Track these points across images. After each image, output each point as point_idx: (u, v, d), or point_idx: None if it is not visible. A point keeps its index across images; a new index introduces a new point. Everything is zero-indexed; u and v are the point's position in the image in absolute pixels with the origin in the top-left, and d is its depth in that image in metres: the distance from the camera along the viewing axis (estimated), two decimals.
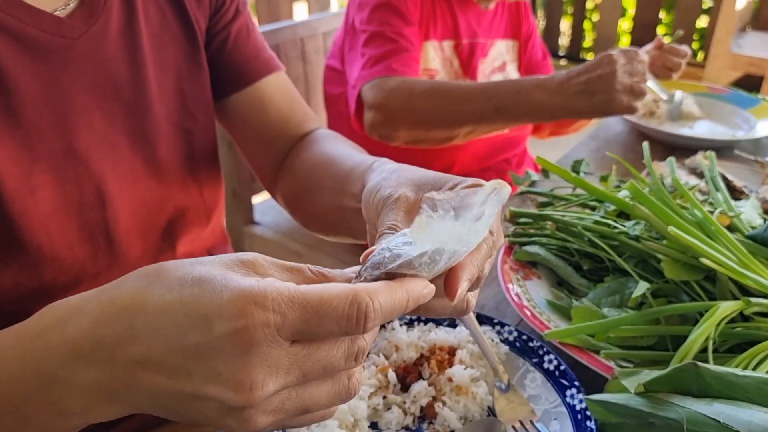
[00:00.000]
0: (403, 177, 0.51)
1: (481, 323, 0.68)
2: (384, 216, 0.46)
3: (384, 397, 0.61)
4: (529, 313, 0.68)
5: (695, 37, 4.55)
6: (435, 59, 1.41)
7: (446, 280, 0.40)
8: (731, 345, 0.63)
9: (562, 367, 0.63)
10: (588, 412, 0.57)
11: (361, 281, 0.38)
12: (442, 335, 0.67)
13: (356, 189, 0.60)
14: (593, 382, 0.62)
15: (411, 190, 0.48)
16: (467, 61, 1.45)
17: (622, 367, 0.62)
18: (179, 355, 0.34)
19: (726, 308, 0.61)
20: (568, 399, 0.60)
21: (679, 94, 1.32)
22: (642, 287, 0.65)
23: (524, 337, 0.67)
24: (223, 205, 0.92)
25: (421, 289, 0.38)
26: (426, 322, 0.70)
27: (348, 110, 1.36)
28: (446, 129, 1.21)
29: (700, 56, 4.44)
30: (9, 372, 0.38)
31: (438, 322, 0.70)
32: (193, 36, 0.77)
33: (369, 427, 0.59)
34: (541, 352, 0.65)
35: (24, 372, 0.38)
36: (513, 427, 0.59)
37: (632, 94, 1.09)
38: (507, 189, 0.43)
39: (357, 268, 0.40)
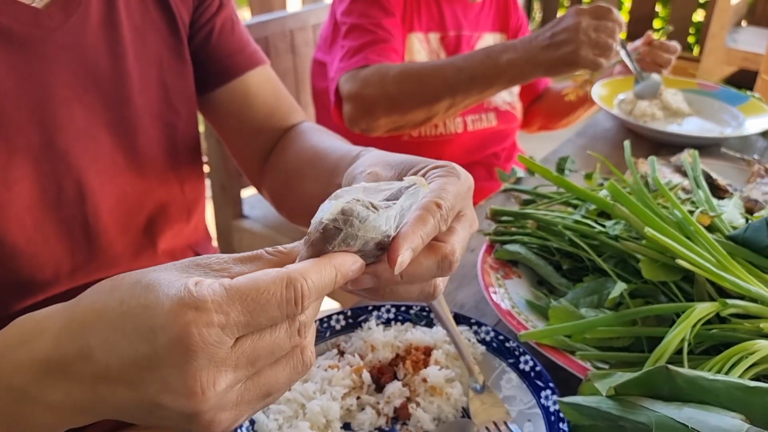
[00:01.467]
0: (378, 158, 0.53)
1: (458, 323, 0.68)
2: None
3: (358, 398, 0.61)
4: (507, 313, 0.68)
5: (691, 31, 4.53)
6: (420, 51, 1.40)
7: (388, 251, 0.41)
8: (707, 347, 0.63)
9: (538, 368, 0.62)
10: (561, 414, 0.57)
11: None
12: (418, 335, 0.66)
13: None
14: (570, 384, 0.62)
15: (384, 169, 0.50)
16: (454, 53, 1.44)
17: (597, 368, 0.62)
18: (134, 368, 0.34)
19: (702, 310, 0.60)
20: (542, 400, 0.60)
21: (655, 77, 1.31)
22: (619, 288, 0.64)
23: (501, 337, 0.66)
24: (204, 201, 0.91)
25: (350, 264, 0.39)
26: (403, 321, 0.70)
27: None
28: (424, 108, 1.20)
29: (696, 50, 4.43)
30: None
31: (415, 322, 0.70)
32: (176, 28, 0.76)
33: (341, 428, 0.59)
34: (517, 353, 0.65)
35: None
36: (486, 428, 0.58)
37: (597, 48, 1.09)
38: (426, 189, 0.44)
39: None
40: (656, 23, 4.67)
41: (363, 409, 0.61)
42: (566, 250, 0.75)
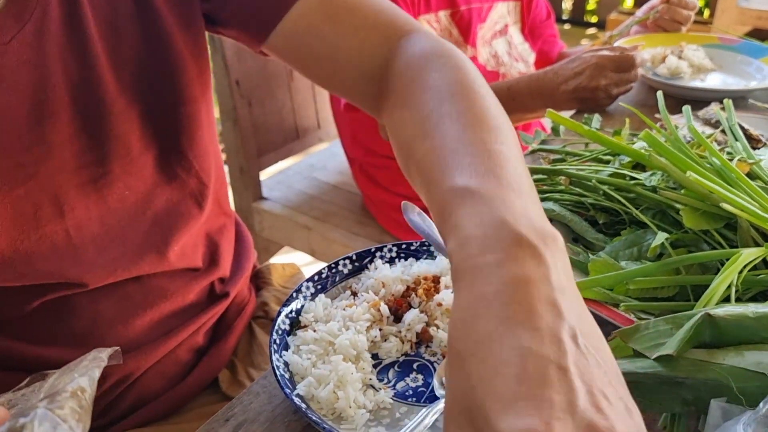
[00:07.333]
0: None
1: None
2: None
3: (380, 330, 0.64)
4: None
5: None
6: (431, 32, 1.38)
7: None
8: (755, 293, 0.62)
9: None
10: None
11: None
12: (424, 267, 0.69)
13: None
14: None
15: None
16: (466, 28, 1.42)
17: (642, 319, 0.61)
18: None
19: (749, 254, 0.59)
20: None
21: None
22: (661, 237, 0.63)
23: None
24: (224, 181, 0.85)
25: None
26: (406, 257, 0.73)
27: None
28: None
29: (705, 14, 4.37)
30: None
31: (417, 257, 0.73)
32: (154, 14, 0.65)
33: (371, 358, 0.62)
34: None
35: None
36: None
37: (614, 98, 1.18)
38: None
39: None
40: None
41: (387, 339, 0.64)
42: (602, 204, 0.74)
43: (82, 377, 0.39)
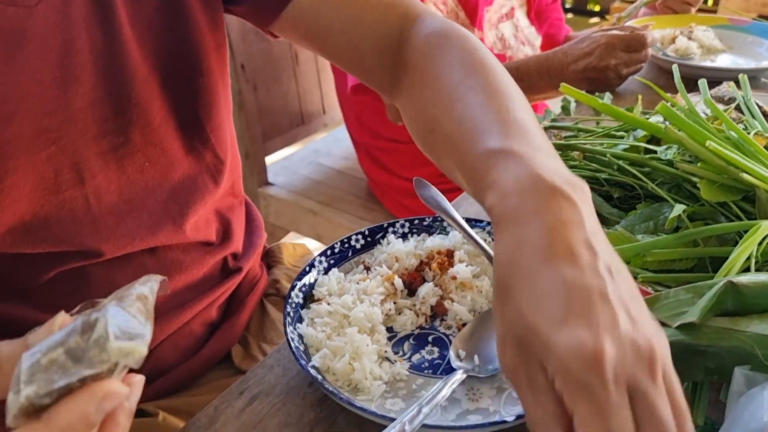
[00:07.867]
0: None
1: (471, 227, 0.69)
2: None
3: (394, 303, 0.64)
4: None
5: None
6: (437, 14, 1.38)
7: None
8: None
9: None
10: None
11: None
12: (437, 241, 0.69)
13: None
14: None
15: None
16: (473, 11, 1.41)
17: (658, 291, 0.60)
18: None
19: None
20: None
21: None
22: (678, 209, 0.62)
23: None
24: (238, 163, 0.85)
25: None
26: (419, 233, 0.73)
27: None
28: None
29: (710, 1, 4.34)
30: None
31: (430, 232, 0.73)
32: None
33: (386, 331, 0.62)
34: None
35: None
36: None
37: (624, 78, 1.16)
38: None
39: None
40: None
41: (401, 312, 0.64)
42: (616, 179, 0.73)
43: (143, 286, 0.40)
